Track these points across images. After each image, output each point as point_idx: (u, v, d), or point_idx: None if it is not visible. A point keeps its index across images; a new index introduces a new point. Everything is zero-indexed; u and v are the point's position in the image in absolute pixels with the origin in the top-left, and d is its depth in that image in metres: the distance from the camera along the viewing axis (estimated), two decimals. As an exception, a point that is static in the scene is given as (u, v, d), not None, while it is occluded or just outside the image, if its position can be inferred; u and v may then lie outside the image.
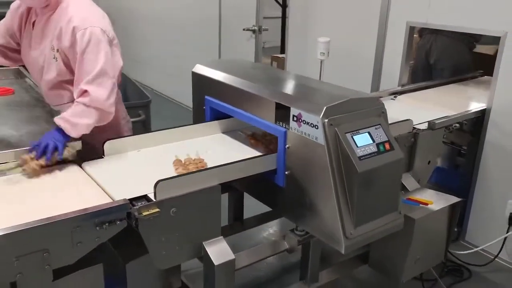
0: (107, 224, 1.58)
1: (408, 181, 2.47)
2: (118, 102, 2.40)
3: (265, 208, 2.45)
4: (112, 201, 1.69)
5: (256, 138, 2.24)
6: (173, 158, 2.04)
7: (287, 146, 1.92)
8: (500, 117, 2.89)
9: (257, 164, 1.96)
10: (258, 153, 2.10)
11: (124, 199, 1.64)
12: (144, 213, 1.64)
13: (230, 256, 1.85)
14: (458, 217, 2.44)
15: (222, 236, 1.89)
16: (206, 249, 1.83)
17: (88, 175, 1.90)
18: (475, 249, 2.96)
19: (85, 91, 1.99)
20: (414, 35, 3.45)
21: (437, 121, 2.57)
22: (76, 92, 2.02)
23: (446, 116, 2.70)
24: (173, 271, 2.10)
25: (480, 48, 3.99)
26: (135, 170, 1.97)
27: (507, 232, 2.87)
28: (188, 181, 1.75)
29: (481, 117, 2.98)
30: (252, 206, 2.63)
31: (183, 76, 5.95)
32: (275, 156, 1.98)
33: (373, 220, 1.85)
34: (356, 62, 3.68)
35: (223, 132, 2.37)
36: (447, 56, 3.70)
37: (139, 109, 3.10)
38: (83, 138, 2.02)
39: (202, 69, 2.40)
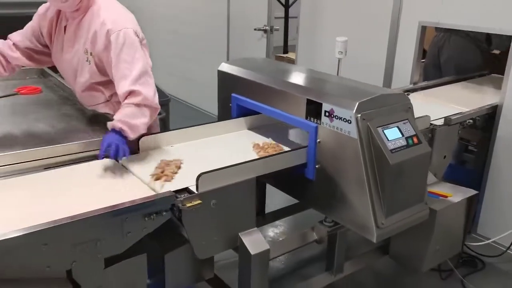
0: (154, 215, 1.66)
1: (427, 175, 2.56)
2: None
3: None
4: (154, 193, 1.77)
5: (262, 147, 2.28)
6: (203, 152, 2.14)
7: (318, 140, 2.00)
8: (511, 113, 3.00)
9: (289, 158, 2.04)
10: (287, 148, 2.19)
11: (169, 191, 1.72)
12: (188, 205, 1.72)
13: (265, 246, 1.93)
14: (475, 209, 2.54)
15: (256, 228, 1.97)
16: (242, 239, 1.91)
17: (127, 169, 1.98)
18: (487, 241, 3.06)
19: (133, 91, 2.02)
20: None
21: (453, 117, 2.67)
22: (121, 93, 2.04)
23: (460, 112, 2.80)
24: (206, 262, 2.17)
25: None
26: (170, 165, 2.05)
27: (518, 224, 2.98)
28: (227, 174, 1.82)
29: (492, 114, 3.07)
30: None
31: (190, 77, 6.05)
32: (305, 151, 2.07)
33: (402, 210, 1.94)
34: (367, 60, 3.76)
35: (249, 129, 2.46)
36: (457, 56, 3.79)
37: (159, 108, 3.16)
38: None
39: (228, 68, 2.48)
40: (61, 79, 2.71)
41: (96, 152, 2.00)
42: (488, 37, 3.77)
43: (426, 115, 2.57)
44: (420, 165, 1.96)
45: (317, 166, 2.03)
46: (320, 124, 1.97)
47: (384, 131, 1.86)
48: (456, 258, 2.86)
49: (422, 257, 2.38)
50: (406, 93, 3.26)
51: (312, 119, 2.01)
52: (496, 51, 3.94)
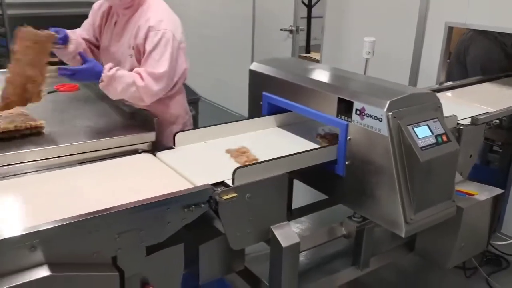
0: (193, 206, 1.74)
1: (453, 173, 2.60)
2: (182, 98, 2.59)
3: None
4: (192, 186, 1.85)
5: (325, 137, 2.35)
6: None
7: (348, 138, 2.06)
8: (537, 114, 3.01)
9: (320, 154, 2.11)
10: (316, 145, 2.26)
11: (208, 184, 1.80)
12: (224, 197, 1.80)
13: (296, 239, 2.00)
14: (500, 207, 2.57)
15: (287, 221, 2.04)
16: (274, 232, 1.99)
17: (164, 163, 2.07)
18: (512, 241, 3.08)
19: (142, 77, 2.20)
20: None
21: (479, 117, 2.70)
22: (137, 70, 2.22)
23: (487, 112, 2.83)
24: (237, 254, 2.25)
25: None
26: (205, 159, 2.13)
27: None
28: (261, 169, 1.90)
29: (519, 114, 3.09)
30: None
31: (217, 78, 6.12)
32: (335, 148, 2.13)
33: (430, 207, 1.99)
34: (393, 60, 3.80)
35: (279, 126, 2.53)
36: (484, 56, 3.80)
37: (190, 105, 3.26)
38: (156, 130, 2.19)
39: (259, 67, 2.55)
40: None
41: (135, 147, 2.12)
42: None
43: (453, 115, 2.60)
44: (449, 162, 2.01)
45: (347, 163, 2.10)
46: (351, 122, 2.03)
47: (415, 129, 1.92)
48: (480, 256, 2.90)
49: (447, 254, 2.42)
50: (432, 93, 3.33)
51: (343, 117, 2.08)
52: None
